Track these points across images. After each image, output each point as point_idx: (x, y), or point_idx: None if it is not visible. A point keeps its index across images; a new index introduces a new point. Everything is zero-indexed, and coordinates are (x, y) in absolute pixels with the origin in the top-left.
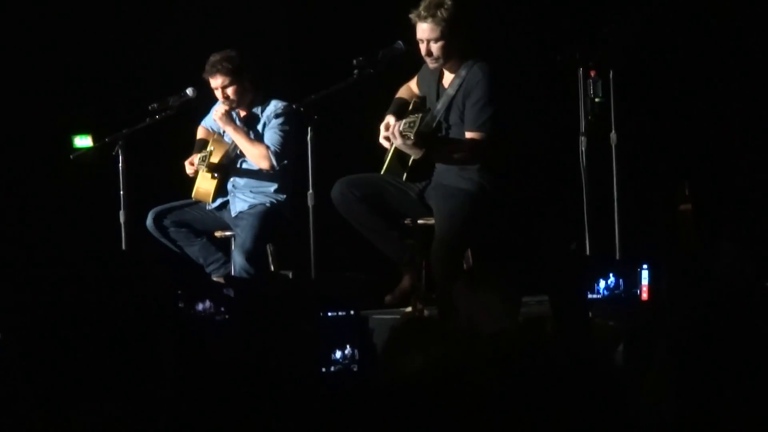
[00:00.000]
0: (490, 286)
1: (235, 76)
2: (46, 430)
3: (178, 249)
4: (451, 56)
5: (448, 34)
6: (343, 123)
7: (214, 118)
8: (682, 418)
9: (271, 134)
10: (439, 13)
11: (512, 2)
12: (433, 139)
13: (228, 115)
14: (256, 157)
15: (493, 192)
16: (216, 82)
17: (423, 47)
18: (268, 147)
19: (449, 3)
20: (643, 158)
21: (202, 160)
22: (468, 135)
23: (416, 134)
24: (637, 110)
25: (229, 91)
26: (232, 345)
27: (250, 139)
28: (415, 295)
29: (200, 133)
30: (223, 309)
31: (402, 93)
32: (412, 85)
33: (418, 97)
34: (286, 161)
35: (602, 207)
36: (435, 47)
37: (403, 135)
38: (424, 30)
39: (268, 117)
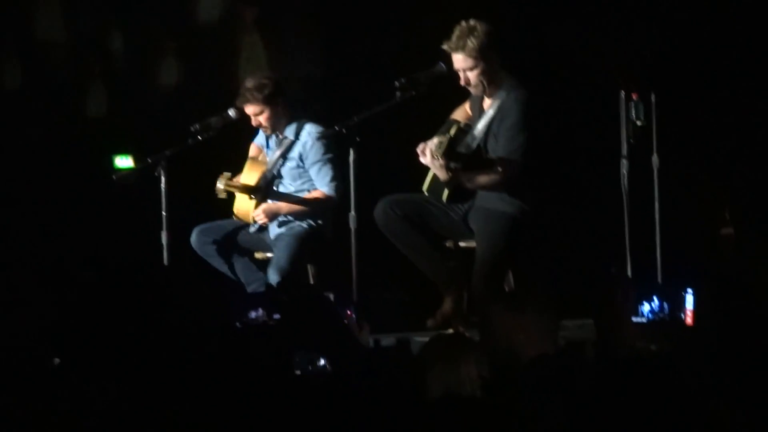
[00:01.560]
0: (530, 308)
1: (267, 103)
2: None
3: (219, 267)
4: (490, 81)
5: (481, 61)
6: (385, 145)
7: (259, 223)
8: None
9: (319, 168)
10: (469, 42)
11: (556, 26)
12: (460, 160)
13: (270, 212)
14: (321, 207)
15: (534, 215)
16: (249, 109)
17: (461, 76)
18: (322, 189)
19: (478, 29)
20: (684, 182)
21: (223, 183)
22: (499, 160)
23: (443, 155)
24: (679, 134)
25: (262, 118)
26: (278, 352)
27: (302, 201)
28: (457, 317)
29: (252, 151)
30: (276, 316)
31: (456, 114)
32: (467, 105)
33: (470, 117)
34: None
35: (644, 230)
36: (472, 75)
37: (433, 155)
38: (458, 60)
39: (304, 145)
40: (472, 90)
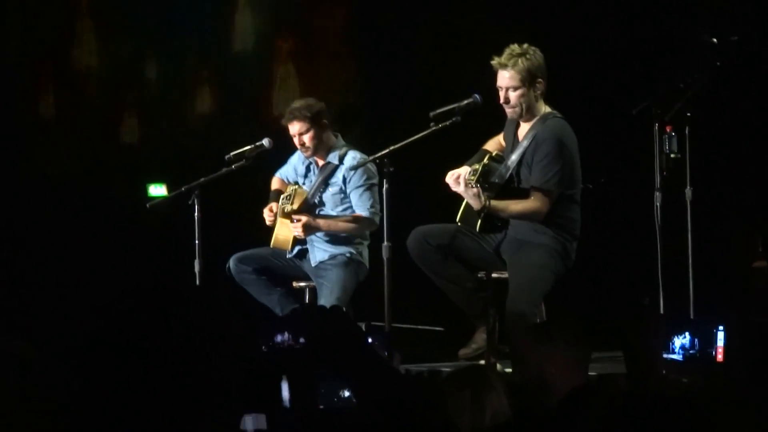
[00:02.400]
0: (562, 339)
1: (313, 124)
2: None
3: (257, 296)
4: (529, 107)
5: (527, 84)
6: (418, 175)
7: (295, 232)
8: None
9: (360, 193)
10: (520, 62)
11: (593, 57)
12: (493, 190)
13: (309, 227)
14: (359, 230)
15: (567, 246)
16: (294, 128)
17: (501, 94)
18: (362, 213)
19: (531, 53)
20: (718, 214)
21: (287, 198)
22: (532, 190)
23: (476, 182)
24: (712, 166)
25: (306, 138)
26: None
27: (342, 222)
28: (489, 349)
29: (275, 184)
30: (302, 340)
31: (488, 145)
32: (500, 137)
33: (502, 149)
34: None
35: (677, 263)
36: (513, 95)
37: (466, 183)
38: (504, 77)
39: (347, 171)
40: (509, 111)
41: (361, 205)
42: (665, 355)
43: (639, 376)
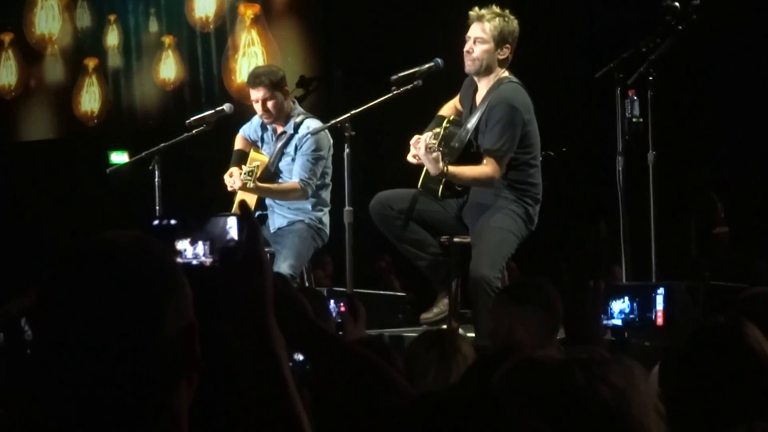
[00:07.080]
0: (536, 301)
1: (275, 90)
2: None
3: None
4: (488, 66)
5: (495, 42)
6: (380, 138)
7: (234, 188)
8: None
9: (303, 162)
10: (497, 20)
11: (554, 22)
12: (453, 155)
13: (245, 186)
14: (292, 196)
15: (530, 209)
16: (257, 94)
17: (468, 44)
18: (299, 181)
19: (509, 18)
20: (680, 179)
21: (249, 174)
22: (484, 155)
23: (438, 147)
24: (675, 130)
25: (269, 104)
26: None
27: (277, 188)
28: (451, 314)
29: (238, 143)
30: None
31: (444, 110)
32: (456, 101)
33: (459, 113)
34: (318, 183)
35: (639, 227)
36: (478, 48)
37: (427, 148)
38: (476, 29)
39: (300, 139)
40: (468, 63)
41: (298, 173)
42: (605, 322)
43: (578, 340)
